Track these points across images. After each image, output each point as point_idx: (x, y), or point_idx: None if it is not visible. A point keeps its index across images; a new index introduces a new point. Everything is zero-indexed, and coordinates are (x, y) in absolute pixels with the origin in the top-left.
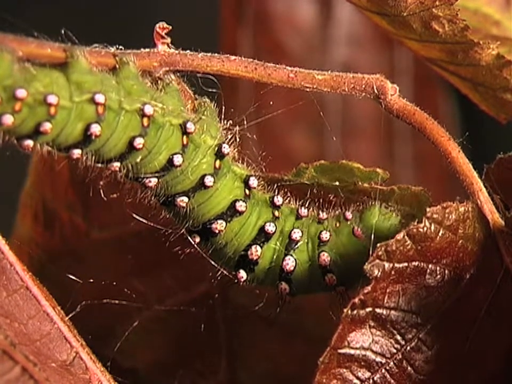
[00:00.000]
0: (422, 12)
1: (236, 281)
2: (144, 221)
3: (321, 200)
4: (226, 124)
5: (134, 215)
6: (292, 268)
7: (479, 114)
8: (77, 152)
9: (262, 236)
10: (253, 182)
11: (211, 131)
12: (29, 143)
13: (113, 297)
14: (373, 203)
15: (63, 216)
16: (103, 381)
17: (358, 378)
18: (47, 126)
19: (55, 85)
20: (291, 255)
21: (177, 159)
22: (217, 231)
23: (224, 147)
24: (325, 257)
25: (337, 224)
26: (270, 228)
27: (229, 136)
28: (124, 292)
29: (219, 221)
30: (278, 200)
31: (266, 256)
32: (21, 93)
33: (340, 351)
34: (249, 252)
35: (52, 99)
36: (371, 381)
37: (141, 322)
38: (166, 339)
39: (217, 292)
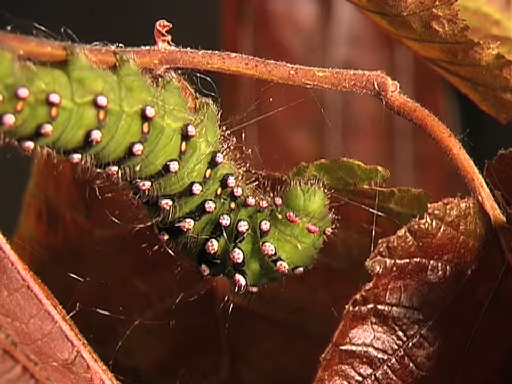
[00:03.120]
0: (422, 12)
1: (201, 276)
2: (119, 222)
3: (266, 187)
4: (225, 131)
5: (113, 218)
6: (240, 260)
7: (479, 114)
8: (76, 157)
9: (218, 229)
10: (231, 182)
11: (208, 136)
12: (30, 144)
13: (115, 296)
14: (293, 183)
15: (66, 215)
16: (104, 380)
17: (360, 374)
18: (48, 128)
19: (57, 83)
20: (238, 247)
21: (174, 166)
22: (185, 230)
23: (218, 156)
24: (267, 247)
25: (272, 212)
26: (224, 221)
27: (225, 145)
28: (125, 290)
29: (187, 220)
30: (238, 191)
31: (221, 249)
32: (22, 92)
33: (341, 347)
34: (206, 246)
35: (54, 98)
36: (373, 377)
37: (143, 321)
38: (167, 338)
39: (218, 291)
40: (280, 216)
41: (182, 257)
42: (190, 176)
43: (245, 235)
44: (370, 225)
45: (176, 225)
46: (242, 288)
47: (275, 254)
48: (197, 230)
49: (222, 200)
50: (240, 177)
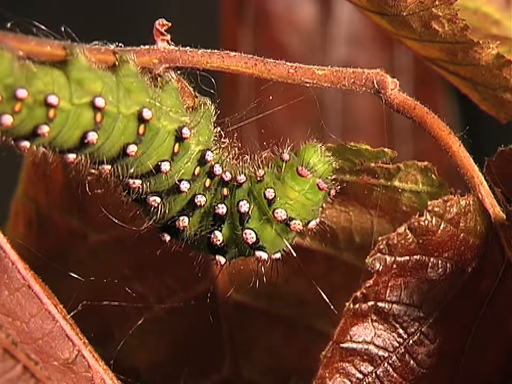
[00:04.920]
0: (422, 12)
1: (219, 265)
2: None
3: (253, 157)
4: (222, 131)
5: (115, 220)
6: (254, 239)
7: (479, 114)
8: (71, 156)
9: (218, 219)
10: (218, 169)
11: (200, 136)
12: (26, 144)
13: (113, 299)
14: (313, 143)
15: (58, 221)
16: (105, 379)
17: (360, 372)
18: (44, 128)
19: (56, 84)
20: (247, 228)
21: (165, 167)
22: (181, 228)
23: (208, 154)
24: (279, 213)
25: (278, 170)
26: (220, 210)
27: (218, 145)
28: (123, 293)
29: (181, 218)
30: (227, 176)
31: (227, 236)
32: (21, 93)
33: (342, 345)
34: (210, 240)
35: (52, 99)
36: (374, 375)
37: (142, 323)
38: (168, 338)
39: (218, 289)
40: (288, 175)
41: (196, 252)
42: (179, 175)
43: (249, 213)
44: (372, 209)
45: (171, 225)
46: (266, 261)
47: (286, 218)
48: (194, 226)
49: (213, 190)
50: (225, 161)
